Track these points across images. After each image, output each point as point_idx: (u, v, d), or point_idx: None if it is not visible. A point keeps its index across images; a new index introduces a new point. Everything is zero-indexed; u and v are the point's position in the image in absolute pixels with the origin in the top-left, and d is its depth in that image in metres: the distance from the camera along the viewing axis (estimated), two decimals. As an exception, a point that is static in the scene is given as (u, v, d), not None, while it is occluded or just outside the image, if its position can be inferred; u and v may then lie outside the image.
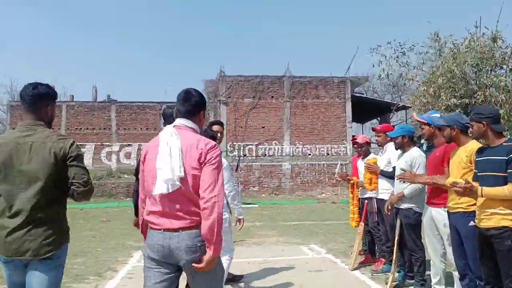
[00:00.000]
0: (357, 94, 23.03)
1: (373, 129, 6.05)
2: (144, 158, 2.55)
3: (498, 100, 17.63)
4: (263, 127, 20.52)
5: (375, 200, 5.85)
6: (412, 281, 4.87)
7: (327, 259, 6.63)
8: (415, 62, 21.62)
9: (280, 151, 20.84)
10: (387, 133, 5.41)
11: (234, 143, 20.45)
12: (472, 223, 3.50)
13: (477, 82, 19.19)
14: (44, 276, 2.52)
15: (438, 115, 4.33)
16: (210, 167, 2.39)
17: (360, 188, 6.05)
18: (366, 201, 5.94)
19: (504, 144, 3.26)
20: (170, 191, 2.35)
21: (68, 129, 23.05)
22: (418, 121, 4.44)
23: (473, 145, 3.66)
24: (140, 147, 23.80)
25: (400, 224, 4.89)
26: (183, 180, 2.36)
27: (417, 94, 20.36)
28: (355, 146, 6.58)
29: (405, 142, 4.92)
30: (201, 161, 2.39)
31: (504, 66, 19.09)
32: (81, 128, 23.29)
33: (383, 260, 5.73)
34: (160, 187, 2.37)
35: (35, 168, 2.51)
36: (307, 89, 21.09)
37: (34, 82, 2.68)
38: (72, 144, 2.62)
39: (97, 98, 27.40)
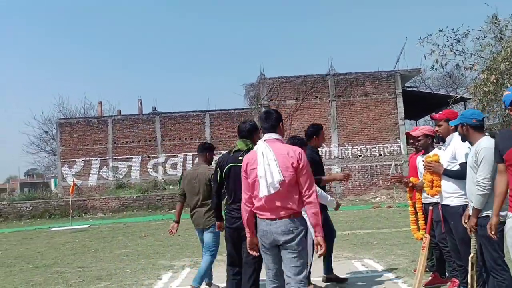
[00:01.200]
0: (409, 88, 21.39)
1: (432, 118, 4.91)
2: (246, 168, 3.32)
3: None
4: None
5: (441, 207, 4.75)
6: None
7: (385, 278, 5.54)
8: (472, 49, 19.81)
9: (328, 153, 19.64)
10: (449, 121, 4.32)
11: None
12: None
13: (546, 65, 17.18)
14: (208, 235, 5.07)
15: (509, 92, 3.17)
16: (304, 170, 3.17)
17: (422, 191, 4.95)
18: (430, 207, 4.84)
19: None
20: (272, 192, 3.10)
21: (114, 143, 23.16)
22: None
23: None
24: (186, 158, 23.54)
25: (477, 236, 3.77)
26: (282, 183, 3.09)
27: (477, 83, 18.59)
28: (411, 141, 5.50)
29: (468, 132, 3.83)
30: (294, 166, 3.15)
31: None
32: (127, 142, 23.29)
33: (456, 281, 4.60)
34: (264, 191, 3.12)
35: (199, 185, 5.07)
36: (353, 86, 19.80)
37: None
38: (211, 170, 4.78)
39: (143, 111, 27.49)
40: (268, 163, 3.11)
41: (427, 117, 32.38)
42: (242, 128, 4.12)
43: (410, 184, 5.08)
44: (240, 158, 3.76)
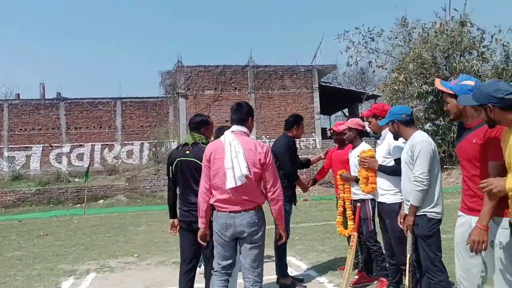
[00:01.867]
0: (325, 84, 21.89)
1: (362, 116, 4.83)
2: (209, 157, 3.29)
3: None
4: (227, 121, 18.89)
5: (369, 203, 4.57)
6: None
7: (310, 277, 5.28)
8: (383, 48, 20.83)
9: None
10: (378, 121, 4.15)
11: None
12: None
13: (448, 67, 18.57)
14: None
15: (472, 82, 2.98)
16: (270, 167, 3.26)
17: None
18: (358, 204, 4.63)
19: None
20: (239, 184, 3.14)
21: (11, 130, 20.81)
22: (442, 91, 3.09)
23: None
24: (94, 148, 21.94)
25: (413, 235, 3.59)
26: (247, 177, 3.16)
27: (388, 82, 19.59)
28: (335, 137, 5.31)
29: (399, 129, 3.71)
30: (261, 162, 3.23)
31: (474, 51, 18.59)
32: (26, 129, 21.04)
33: (385, 280, 4.45)
34: (231, 182, 3.15)
35: None
36: (272, 79, 19.75)
37: None
38: None
39: (45, 96, 25.06)
40: (236, 155, 3.14)
41: (339, 113, 33.74)
42: (191, 121, 4.11)
43: (341, 176, 4.82)
44: (187, 152, 3.81)
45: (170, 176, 4.02)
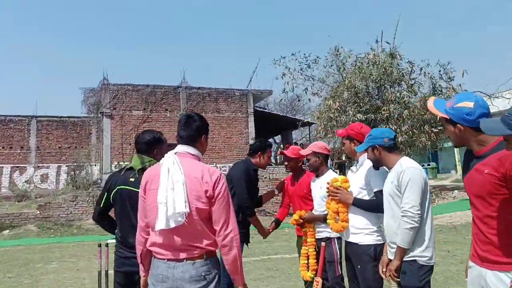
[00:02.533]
0: (260, 109, 21.47)
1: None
2: (145, 187, 2.53)
3: (402, 116, 17.48)
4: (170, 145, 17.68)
5: (335, 243, 3.84)
6: None
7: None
8: (318, 76, 20.94)
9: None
10: (353, 146, 3.46)
11: (121, 162, 17.24)
12: None
13: (380, 97, 18.96)
14: None
15: (471, 104, 2.28)
16: (220, 203, 2.41)
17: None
18: (323, 243, 3.88)
19: None
20: (172, 227, 2.33)
21: None
22: (437, 115, 2.41)
23: None
24: (2, 170, 19.55)
25: (399, 286, 2.89)
26: (188, 215, 2.34)
27: (322, 109, 19.58)
28: (286, 163, 4.53)
29: (381, 155, 3.11)
30: (208, 195, 2.40)
31: (403, 83, 19.22)
32: None
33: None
34: (161, 223, 2.35)
35: None
36: (206, 101, 18.91)
37: None
38: None
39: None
40: (172, 186, 2.38)
41: (272, 139, 33.58)
42: (139, 140, 3.33)
43: (296, 222, 4.08)
44: (131, 179, 3.12)
45: (102, 205, 3.30)
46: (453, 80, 17.35)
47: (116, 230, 3.30)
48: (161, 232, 2.39)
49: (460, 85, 17.08)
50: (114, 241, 3.32)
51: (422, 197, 2.83)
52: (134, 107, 17.72)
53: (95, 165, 19.03)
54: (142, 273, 2.63)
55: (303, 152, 4.28)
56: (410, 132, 16.94)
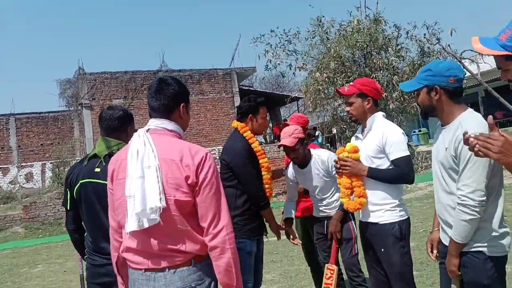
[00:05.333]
0: (245, 88, 20.81)
1: (339, 93, 3.16)
2: (112, 175, 1.99)
3: (392, 82, 17.00)
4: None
5: (351, 218, 3.41)
6: None
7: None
8: (302, 49, 20.29)
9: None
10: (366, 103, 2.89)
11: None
12: None
13: (368, 65, 18.43)
14: None
15: None
16: (207, 191, 1.86)
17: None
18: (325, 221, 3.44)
19: None
20: (145, 227, 1.81)
21: None
22: (493, 55, 1.81)
23: None
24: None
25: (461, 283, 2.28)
26: (164, 210, 1.80)
27: (309, 82, 19.00)
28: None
29: (443, 102, 2.22)
30: (190, 183, 1.84)
31: (390, 49, 18.67)
32: None
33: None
34: (132, 223, 1.82)
35: None
36: (188, 84, 18.14)
37: None
38: None
39: None
40: (142, 174, 1.82)
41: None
42: (108, 116, 2.72)
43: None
44: (97, 170, 2.57)
45: (68, 207, 2.75)
46: (441, 40, 16.83)
47: (85, 234, 2.77)
48: (134, 235, 1.88)
49: (449, 45, 16.59)
50: None
51: (490, 173, 2.03)
52: (114, 95, 16.96)
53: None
54: (120, 286, 2.12)
55: (288, 142, 3.40)
56: (401, 98, 16.50)
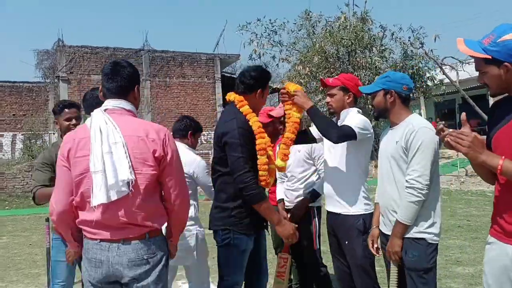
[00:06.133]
0: (228, 74, 20.69)
1: (322, 84, 3.10)
2: (68, 153, 2.03)
3: (372, 81, 17.22)
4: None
5: (314, 211, 3.46)
6: None
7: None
8: (287, 41, 20.28)
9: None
10: (347, 97, 2.94)
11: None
12: None
13: (351, 63, 18.57)
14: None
15: None
16: (174, 163, 2.06)
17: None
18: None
19: None
20: (113, 199, 1.92)
21: None
22: (473, 57, 1.89)
23: None
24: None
25: (399, 268, 2.46)
26: (132, 184, 1.93)
27: (292, 75, 19.04)
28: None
29: (395, 105, 2.57)
30: (157, 156, 1.99)
31: (374, 49, 18.86)
32: None
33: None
34: (99, 196, 1.91)
35: None
36: (170, 66, 17.94)
37: None
38: None
39: None
40: (109, 149, 1.94)
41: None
42: (88, 96, 2.97)
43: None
44: None
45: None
46: (424, 45, 17.09)
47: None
48: (96, 208, 1.95)
49: (431, 50, 16.87)
50: None
51: (433, 164, 2.37)
52: (92, 71, 16.57)
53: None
54: (70, 245, 2.26)
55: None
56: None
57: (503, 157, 1.74)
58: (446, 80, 17.61)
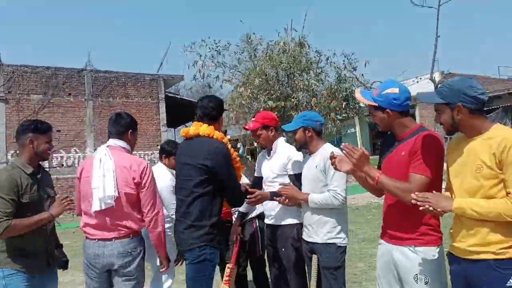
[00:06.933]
0: (172, 95, 20.97)
1: (246, 129, 3.70)
2: (80, 175, 3.04)
3: (311, 104, 18.20)
4: (58, 131, 16.37)
5: (256, 221, 4.00)
6: None
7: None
8: (230, 63, 20.96)
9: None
10: (270, 133, 3.51)
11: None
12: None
13: (290, 85, 19.56)
14: None
15: (397, 90, 2.44)
16: (146, 188, 2.93)
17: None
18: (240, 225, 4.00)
19: None
20: (103, 208, 2.83)
21: None
22: (366, 103, 2.54)
23: (506, 133, 2.01)
24: None
25: (318, 267, 3.07)
26: (117, 198, 2.85)
27: (234, 96, 19.68)
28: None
29: (312, 138, 3.23)
30: (136, 182, 2.91)
31: (311, 72, 20.00)
32: None
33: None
34: (96, 205, 2.85)
35: None
36: (113, 86, 17.98)
37: None
38: None
39: None
40: (103, 173, 2.87)
41: (187, 124, 33.06)
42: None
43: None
44: None
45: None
46: (356, 70, 18.39)
47: None
48: (94, 214, 2.87)
49: (362, 74, 18.19)
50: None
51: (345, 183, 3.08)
52: (32, 90, 16.26)
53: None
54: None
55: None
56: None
57: (381, 171, 2.39)
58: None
